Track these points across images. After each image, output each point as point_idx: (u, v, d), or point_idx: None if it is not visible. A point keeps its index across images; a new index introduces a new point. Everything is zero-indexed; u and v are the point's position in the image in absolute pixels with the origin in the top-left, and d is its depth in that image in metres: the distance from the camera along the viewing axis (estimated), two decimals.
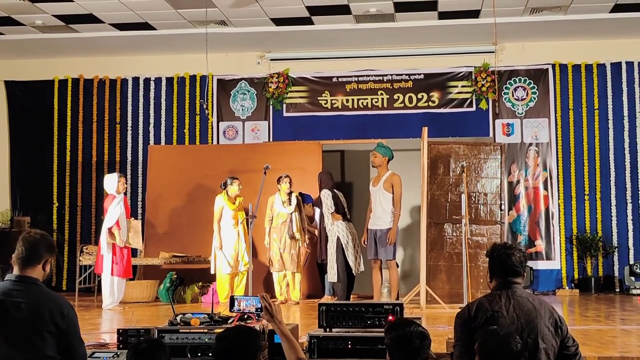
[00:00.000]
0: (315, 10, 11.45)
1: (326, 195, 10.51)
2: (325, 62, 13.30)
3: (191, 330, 5.31)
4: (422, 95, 13.08)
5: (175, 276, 11.24)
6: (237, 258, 10.63)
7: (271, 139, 13.29)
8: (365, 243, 10.11)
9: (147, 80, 13.66)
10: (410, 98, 13.10)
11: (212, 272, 10.76)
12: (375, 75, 13.20)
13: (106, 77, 13.71)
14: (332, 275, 10.32)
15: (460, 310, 4.25)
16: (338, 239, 10.32)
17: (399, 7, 11.34)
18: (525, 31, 12.27)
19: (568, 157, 12.70)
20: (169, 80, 13.61)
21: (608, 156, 12.64)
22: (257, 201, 9.43)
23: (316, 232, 11.19)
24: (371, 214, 10.10)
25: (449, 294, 9.90)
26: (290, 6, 11.21)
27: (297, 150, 12.38)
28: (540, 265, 12.50)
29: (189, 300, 11.12)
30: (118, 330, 5.39)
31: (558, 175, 12.68)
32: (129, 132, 13.61)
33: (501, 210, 10.39)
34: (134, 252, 11.74)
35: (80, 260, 11.18)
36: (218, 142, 13.37)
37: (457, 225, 10.07)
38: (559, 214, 12.62)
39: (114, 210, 10.24)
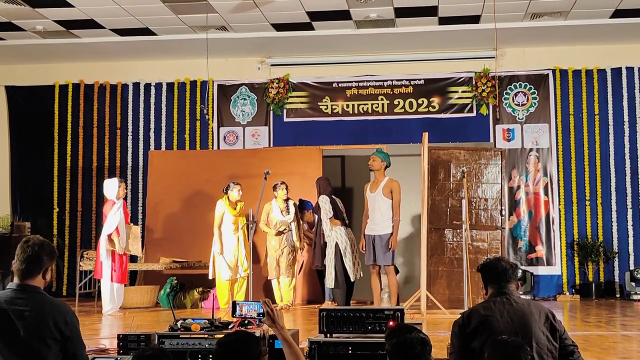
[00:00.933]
0: (315, 16, 11.46)
1: (324, 201, 10.50)
2: (326, 68, 13.31)
3: (191, 336, 5.30)
4: (423, 101, 13.08)
5: (175, 282, 11.24)
6: (236, 264, 10.62)
7: (271, 144, 13.29)
8: (363, 249, 10.09)
9: (147, 86, 13.67)
10: (411, 103, 13.11)
11: (210, 277, 10.75)
12: (376, 81, 13.21)
13: (107, 82, 13.72)
14: (330, 281, 10.31)
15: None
16: (337, 244, 10.32)
17: (399, 13, 11.35)
18: (526, 36, 12.28)
19: (569, 162, 12.69)
20: (170, 85, 13.61)
21: (608, 161, 12.63)
22: (258, 207, 9.44)
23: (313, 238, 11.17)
24: (368, 220, 10.05)
25: (449, 300, 9.90)
26: (290, 12, 11.22)
27: (298, 156, 12.38)
28: (540, 270, 12.48)
29: (189, 306, 11.11)
30: (118, 335, 5.38)
31: (559, 180, 12.68)
32: (130, 137, 13.61)
33: (502, 215, 10.39)
34: (134, 258, 11.75)
35: (80, 265, 11.17)
36: (218, 147, 13.37)
37: (458, 230, 10.07)
38: (560, 220, 12.61)
39: (114, 217, 10.20)
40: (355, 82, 13.24)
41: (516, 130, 12.88)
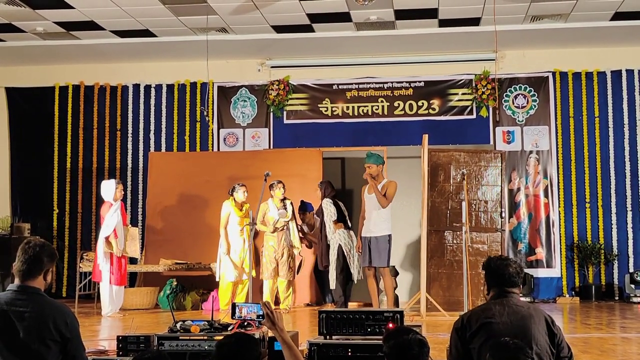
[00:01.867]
0: (316, 18, 11.46)
1: (328, 204, 10.52)
2: (326, 70, 13.31)
3: (191, 338, 5.30)
4: (423, 103, 13.09)
5: (175, 283, 11.23)
6: (242, 265, 10.60)
7: (271, 146, 13.29)
8: (359, 250, 10.08)
9: (147, 87, 13.67)
10: (411, 105, 13.11)
11: (217, 279, 10.72)
12: (376, 83, 13.21)
13: (107, 83, 13.73)
14: (332, 283, 10.33)
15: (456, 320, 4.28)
16: (340, 247, 10.35)
17: (399, 15, 11.36)
18: (526, 39, 12.29)
19: (568, 164, 12.70)
20: (170, 87, 13.62)
21: (608, 164, 12.64)
22: (257, 208, 9.44)
23: (316, 240, 11.18)
24: (364, 221, 10.00)
25: (449, 302, 9.90)
26: (291, 13, 11.22)
27: (298, 158, 12.38)
28: (540, 273, 12.49)
29: (189, 307, 11.11)
30: (118, 337, 5.37)
31: (558, 182, 12.68)
32: (130, 139, 13.61)
33: (502, 217, 10.39)
34: (134, 260, 11.74)
35: (80, 267, 11.17)
36: (218, 149, 13.37)
37: (458, 232, 10.07)
38: (560, 222, 12.61)
39: (111, 219, 10.17)
40: (356, 84, 13.24)
41: (516, 133, 12.89)
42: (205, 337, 5.29)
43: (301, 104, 13.34)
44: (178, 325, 5.46)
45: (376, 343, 4.96)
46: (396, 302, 10.55)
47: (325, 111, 13.27)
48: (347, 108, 13.22)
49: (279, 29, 11.97)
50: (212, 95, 13.45)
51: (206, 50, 11.62)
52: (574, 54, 12.85)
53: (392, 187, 9.79)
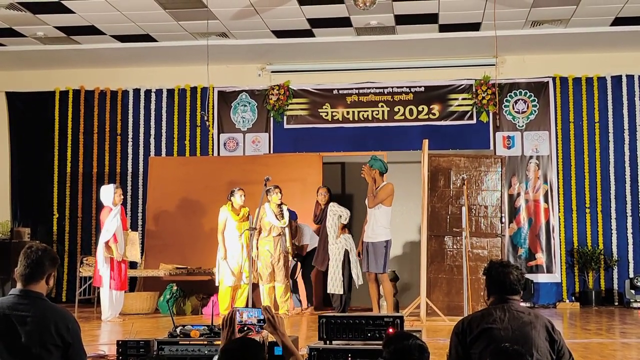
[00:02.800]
0: (316, 23, 11.47)
1: (336, 207, 10.56)
2: (326, 75, 13.31)
3: (191, 342, 5.30)
4: (423, 108, 13.09)
5: (175, 288, 11.22)
6: (240, 270, 10.59)
7: (272, 151, 13.29)
8: (360, 256, 10.12)
9: (148, 92, 13.68)
10: (411, 110, 13.11)
11: (217, 284, 10.72)
12: (376, 88, 13.21)
13: (107, 88, 13.73)
14: (338, 287, 10.33)
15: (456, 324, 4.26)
16: (346, 251, 10.39)
17: (399, 20, 11.37)
18: (526, 44, 12.30)
19: (568, 170, 12.70)
20: (170, 91, 13.63)
21: (608, 169, 12.63)
22: (257, 213, 9.44)
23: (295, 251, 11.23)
24: (365, 226, 10.07)
25: (449, 307, 9.89)
26: (291, 18, 11.23)
27: (298, 162, 12.39)
28: (540, 278, 12.47)
29: (189, 312, 11.09)
30: (117, 341, 5.38)
31: (558, 188, 12.68)
32: (130, 144, 13.61)
33: (502, 223, 10.39)
34: (134, 264, 11.74)
35: (80, 271, 11.16)
36: (219, 153, 13.37)
37: (458, 237, 10.07)
38: (560, 227, 12.60)
39: (111, 224, 10.16)
40: (356, 89, 13.25)
41: (516, 138, 12.89)
42: (205, 342, 5.28)
43: (301, 109, 13.34)
44: (178, 330, 5.46)
45: (376, 348, 4.96)
46: (396, 307, 10.55)
47: (326, 116, 13.28)
48: (348, 113, 13.23)
49: (279, 33, 11.98)
50: (213, 100, 13.45)
51: (206, 55, 11.62)
52: (574, 59, 12.86)
53: (384, 190, 9.78)
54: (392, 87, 13.18)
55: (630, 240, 12.45)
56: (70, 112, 13.72)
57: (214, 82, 12.94)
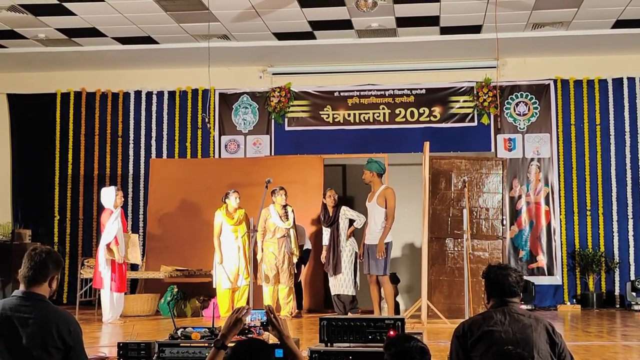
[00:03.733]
0: (317, 25, 11.48)
1: (347, 210, 10.72)
2: (327, 77, 13.32)
3: (192, 345, 5.30)
4: (424, 110, 13.09)
5: (176, 290, 11.22)
6: (237, 273, 10.59)
7: (273, 153, 13.29)
8: (362, 258, 10.15)
9: (149, 94, 13.69)
10: (412, 113, 13.11)
11: (214, 286, 10.74)
12: (377, 90, 13.22)
13: (108, 90, 13.74)
14: (350, 289, 10.48)
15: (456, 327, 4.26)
16: (355, 253, 10.62)
17: (401, 22, 11.37)
18: (527, 46, 12.30)
19: (570, 172, 12.69)
20: (171, 93, 13.64)
21: (610, 172, 12.63)
22: (259, 215, 9.44)
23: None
24: (366, 229, 10.13)
25: (450, 309, 9.88)
26: (292, 21, 11.24)
27: (299, 164, 12.39)
28: (541, 280, 12.46)
29: (190, 314, 11.09)
30: (118, 344, 5.38)
31: (560, 190, 12.67)
32: (131, 146, 13.62)
33: (503, 225, 10.38)
34: (134, 266, 11.74)
35: (81, 273, 11.15)
36: (220, 155, 13.37)
37: (459, 240, 10.06)
38: (561, 230, 12.60)
39: (112, 226, 10.16)
40: (357, 91, 13.25)
41: (517, 140, 12.88)
42: (206, 344, 5.29)
43: (302, 111, 13.34)
44: (179, 332, 5.46)
45: (377, 350, 4.95)
46: (397, 309, 10.56)
47: (327, 118, 13.28)
48: (349, 115, 13.23)
49: (280, 36, 11.98)
50: (214, 102, 13.46)
51: (208, 57, 11.62)
52: (576, 62, 12.86)
53: (390, 198, 9.87)
54: (394, 90, 13.18)
55: (632, 243, 12.44)
56: (71, 114, 13.73)
57: (215, 84, 12.94)
